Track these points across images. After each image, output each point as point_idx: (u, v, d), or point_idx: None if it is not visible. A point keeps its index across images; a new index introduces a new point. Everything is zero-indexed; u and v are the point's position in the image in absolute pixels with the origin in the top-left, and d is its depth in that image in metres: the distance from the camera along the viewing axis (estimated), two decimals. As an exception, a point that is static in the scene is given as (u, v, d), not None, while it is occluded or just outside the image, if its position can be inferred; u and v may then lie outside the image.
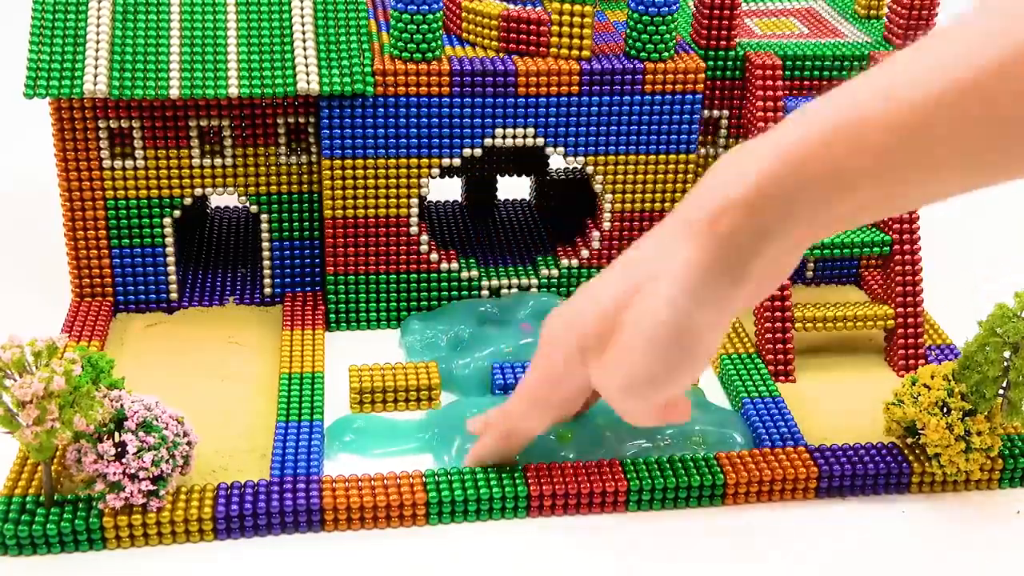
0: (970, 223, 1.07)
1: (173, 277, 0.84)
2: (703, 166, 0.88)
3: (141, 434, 0.62)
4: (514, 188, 1.04)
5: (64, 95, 0.76)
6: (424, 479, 0.67)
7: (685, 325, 0.55)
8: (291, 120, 0.82)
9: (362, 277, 0.84)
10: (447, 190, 1.04)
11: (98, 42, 0.77)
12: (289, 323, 0.82)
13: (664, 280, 0.54)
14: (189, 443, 0.64)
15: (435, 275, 0.85)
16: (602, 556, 0.65)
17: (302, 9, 0.81)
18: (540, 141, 0.82)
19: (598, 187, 0.84)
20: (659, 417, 0.62)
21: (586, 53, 0.81)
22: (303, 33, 0.80)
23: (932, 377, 0.70)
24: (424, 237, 0.84)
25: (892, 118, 0.47)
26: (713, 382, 0.80)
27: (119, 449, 0.62)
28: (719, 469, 0.69)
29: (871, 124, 0.48)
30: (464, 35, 0.84)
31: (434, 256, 0.85)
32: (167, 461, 0.62)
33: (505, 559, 0.64)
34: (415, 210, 0.83)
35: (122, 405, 0.63)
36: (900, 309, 0.81)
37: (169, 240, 0.83)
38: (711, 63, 0.85)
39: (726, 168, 0.53)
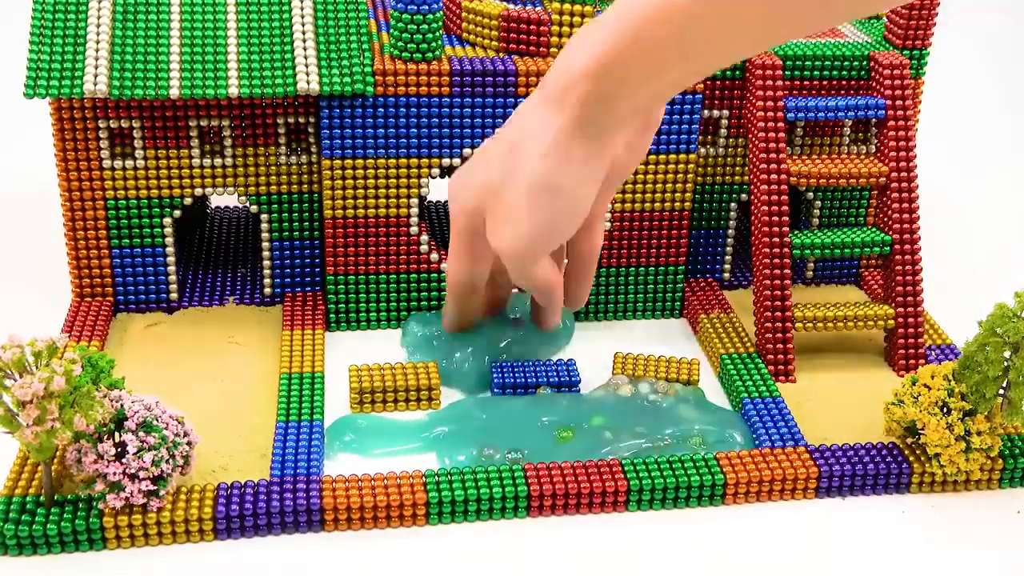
0: (970, 223, 1.08)
1: (173, 277, 0.84)
2: (703, 166, 0.88)
3: (141, 434, 0.62)
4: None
5: (64, 95, 0.76)
6: (424, 479, 0.67)
7: (557, 179, 0.64)
8: (291, 120, 0.82)
9: (362, 277, 0.84)
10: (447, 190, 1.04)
11: (98, 42, 0.77)
12: (289, 323, 0.82)
13: (533, 141, 0.64)
14: (189, 443, 0.64)
15: (435, 275, 0.85)
16: (602, 556, 0.65)
17: (302, 9, 0.81)
18: (540, 141, 0.82)
19: (598, 187, 0.84)
20: (551, 283, 0.70)
21: (586, 53, 0.81)
22: (303, 33, 0.80)
23: (932, 377, 0.70)
24: (424, 237, 0.84)
25: (674, 12, 0.58)
26: (713, 382, 0.80)
27: (119, 449, 0.62)
28: (719, 469, 0.69)
29: (665, 16, 0.58)
30: (464, 35, 0.84)
31: (434, 256, 0.85)
32: (167, 461, 0.62)
33: (505, 559, 0.64)
34: (415, 210, 0.83)
35: (122, 405, 0.63)
36: (900, 309, 0.81)
37: (169, 240, 0.83)
38: (711, 63, 0.85)
39: (573, 49, 0.63)
